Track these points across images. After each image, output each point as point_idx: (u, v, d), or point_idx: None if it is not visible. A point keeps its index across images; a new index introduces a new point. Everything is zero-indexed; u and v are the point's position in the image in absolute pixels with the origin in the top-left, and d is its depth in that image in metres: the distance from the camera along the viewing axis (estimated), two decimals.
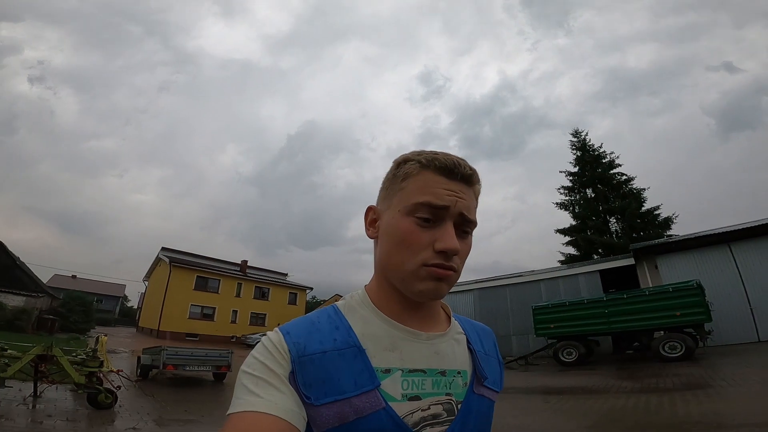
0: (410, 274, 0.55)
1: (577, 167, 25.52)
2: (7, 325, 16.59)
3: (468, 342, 0.65)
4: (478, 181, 0.60)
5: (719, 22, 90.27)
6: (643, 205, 22.38)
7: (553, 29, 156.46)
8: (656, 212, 22.67)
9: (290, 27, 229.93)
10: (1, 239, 21.25)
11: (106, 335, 7.86)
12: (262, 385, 0.48)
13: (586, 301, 12.80)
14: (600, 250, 22.10)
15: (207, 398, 7.30)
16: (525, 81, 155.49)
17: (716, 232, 14.95)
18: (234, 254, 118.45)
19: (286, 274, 40.54)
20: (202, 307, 29.31)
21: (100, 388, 5.50)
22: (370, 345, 0.55)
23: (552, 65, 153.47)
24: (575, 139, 26.54)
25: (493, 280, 19.43)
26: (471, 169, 0.58)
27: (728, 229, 14.61)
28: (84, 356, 5.66)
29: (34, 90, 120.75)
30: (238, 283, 32.25)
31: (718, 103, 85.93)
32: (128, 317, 49.48)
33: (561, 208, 24.89)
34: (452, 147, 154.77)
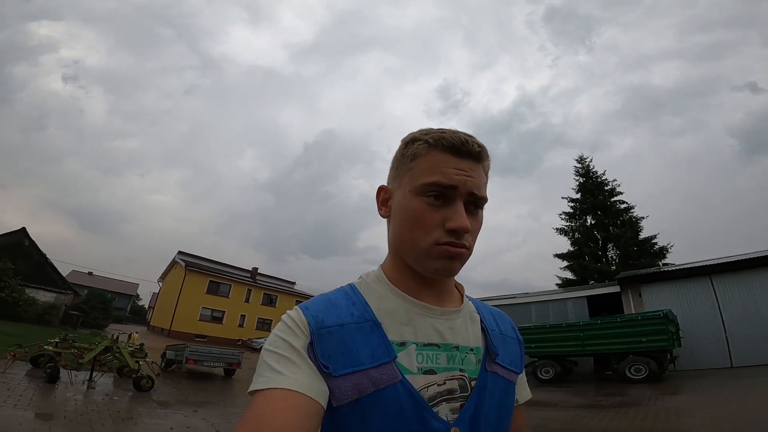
0: (423, 253, 0.57)
1: (579, 194, 26.64)
2: (37, 319, 18.54)
3: (481, 320, 0.68)
4: (487, 157, 0.62)
5: (748, 40, 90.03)
6: (639, 234, 23.39)
7: (574, 46, 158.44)
8: (653, 241, 23.67)
9: (314, 36, 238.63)
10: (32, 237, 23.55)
11: (137, 333, 9.55)
12: (283, 362, 0.51)
13: (564, 325, 14.01)
14: (596, 276, 23.14)
15: (220, 388, 8.88)
16: (544, 97, 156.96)
17: (698, 265, 15.98)
18: (246, 259, 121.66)
19: (294, 283, 42.42)
20: (213, 310, 31.17)
21: (143, 374, 7.10)
22: (386, 319, 0.58)
23: (572, 82, 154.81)
24: (579, 165, 27.71)
25: (488, 300, 20.65)
26: (479, 145, 0.60)
27: (710, 263, 15.69)
28: (132, 349, 7.33)
29: (67, 88, 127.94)
30: (248, 289, 34.11)
31: (743, 123, 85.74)
32: (139, 315, 51.67)
33: (561, 234, 26.00)
34: None
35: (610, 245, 24.10)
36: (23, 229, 22.66)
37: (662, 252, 22.88)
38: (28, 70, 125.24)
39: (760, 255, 14.21)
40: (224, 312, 31.85)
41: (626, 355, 12.17)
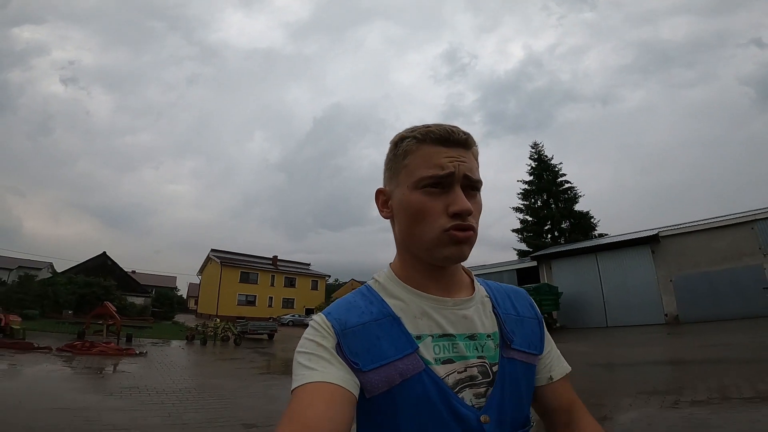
0: (433, 243, 0.65)
1: (532, 176, 34.73)
2: (138, 317, 29.39)
3: (493, 305, 0.74)
4: (474, 143, 0.70)
5: None
6: (573, 211, 31.79)
7: (578, 4, 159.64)
8: (590, 216, 32.11)
9: (310, 13, 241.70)
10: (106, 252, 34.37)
11: (219, 319, 19.69)
12: (315, 360, 0.60)
13: None
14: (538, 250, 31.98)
15: (267, 343, 18.93)
16: (551, 55, 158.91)
17: (587, 245, 23.58)
18: (265, 240, 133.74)
19: (309, 264, 53.11)
20: (246, 295, 42.06)
21: (237, 337, 17.21)
22: (402, 315, 0.67)
23: (580, 39, 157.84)
24: (533, 150, 35.52)
25: None
26: (464, 133, 0.68)
27: (595, 243, 23.67)
28: (229, 326, 17.61)
29: (68, 91, 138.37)
30: (272, 275, 44.77)
31: (756, 73, 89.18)
32: (180, 305, 63.69)
33: (517, 212, 34.50)
34: (476, 123, 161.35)
35: (549, 222, 32.66)
36: (104, 253, 33.46)
37: (593, 226, 31.41)
38: (23, 75, 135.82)
39: (629, 237, 21.21)
40: (256, 296, 42.71)
41: None
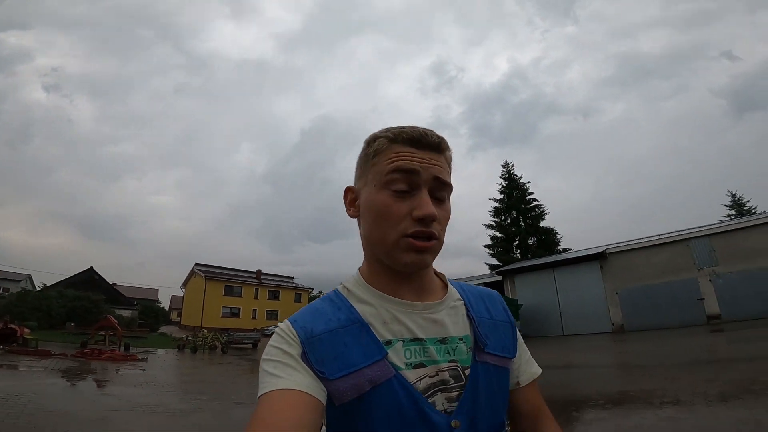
0: (392, 246, 0.65)
1: (503, 195, 37.61)
2: (127, 329, 31.13)
3: (467, 309, 0.74)
4: (447, 148, 0.70)
5: (731, 8, 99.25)
6: (540, 227, 34.75)
7: (561, 18, 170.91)
8: (556, 233, 35.09)
9: (301, 25, 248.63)
10: (93, 267, 36.06)
11: (206, 330, 21.88)
12: (280, 367, 0.60)
13: None
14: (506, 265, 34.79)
15: (251, 352, 21.07)
16: (536, 69, 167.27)
17: (546, 261, 26.06)
18: (250, 252, 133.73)
19: (293, 278, 55.15)
20: (231, 307, 43.87)
21: (224, 346, 19.47)
22: (371, 320, 0.67)
23: (563, 53, 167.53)
24: (504, 170, 38.49)
25: None
26: (438, 137, 0.68)
27: (553, 260, 26.12)
28: (217, 336, 19.85)
29: (50, 98, 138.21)
30: (256, 288, 46.71)
31: (730, 84, 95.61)
32: (163, 317, 64.82)
33: (489, 228, 37.29)
34: (462, 135, 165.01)
35: (517, 238, 35.55)
36: (91, 268, 35.17)
37: (556, 242, 34.38)
38: (5, 81, 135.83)
39: (581, 255, 23.65)
40: (240, 308, 44.53)
41: None
